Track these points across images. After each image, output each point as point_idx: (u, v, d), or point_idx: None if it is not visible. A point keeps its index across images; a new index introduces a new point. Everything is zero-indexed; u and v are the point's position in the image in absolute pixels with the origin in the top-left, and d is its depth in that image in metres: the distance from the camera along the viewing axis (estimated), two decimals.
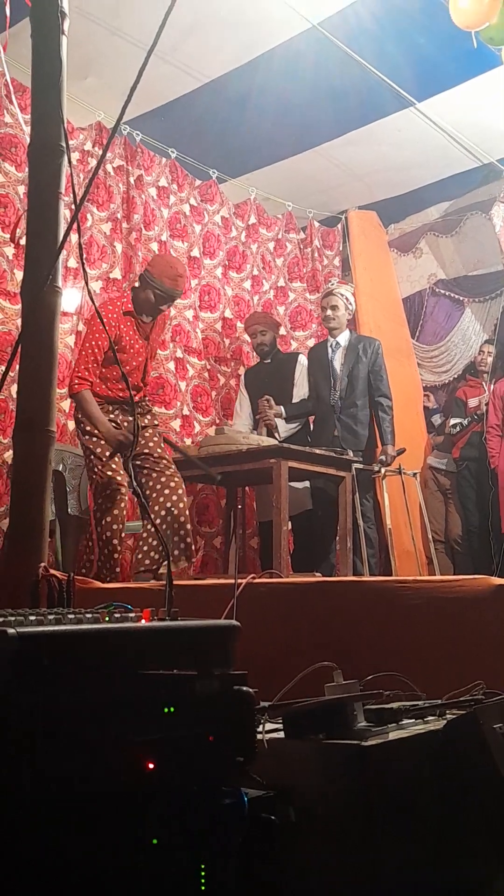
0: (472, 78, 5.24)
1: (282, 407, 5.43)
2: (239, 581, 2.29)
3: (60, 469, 4.58)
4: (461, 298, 6.92)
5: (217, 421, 5.83)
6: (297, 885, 1.35)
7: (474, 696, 1.61)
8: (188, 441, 5.45)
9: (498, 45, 4.35)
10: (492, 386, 6.33)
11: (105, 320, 4.01)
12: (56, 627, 1.19)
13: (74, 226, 2.25)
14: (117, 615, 1.33)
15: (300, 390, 5.61)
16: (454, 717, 1.50)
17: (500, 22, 4.12)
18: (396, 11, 4.57)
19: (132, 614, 1.36)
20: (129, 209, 5.50)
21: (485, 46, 4.48)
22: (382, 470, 5.30)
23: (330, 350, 5.53)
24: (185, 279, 4.71)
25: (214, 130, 5.63)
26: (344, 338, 5.54)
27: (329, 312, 5.53)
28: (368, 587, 2.70)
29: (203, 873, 1.21)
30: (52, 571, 1.88)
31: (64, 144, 2.23)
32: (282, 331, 6.26)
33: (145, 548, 3.96)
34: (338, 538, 5.08)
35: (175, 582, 2.76)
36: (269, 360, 5.78)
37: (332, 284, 5.67)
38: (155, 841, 1.17)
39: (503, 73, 5.10)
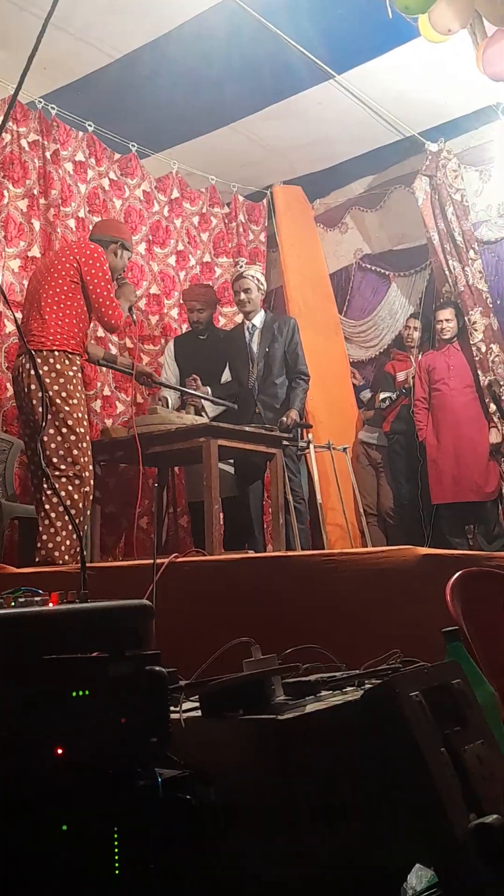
0: (390, 50, 5.23)
1: (208, 388, 5.39)
2: (160, 561, 2.26)
3: None
4: (387, 273, 6.95)
5: (141, 400, 5.75)
6: (216, 864, 1.33)
7: (391, 665, 1.61)
8: (109, 422, 5.37)
9: (413, 13, 4.33)
10: (419, 359, 6.39)
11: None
12: None
13: None
14: (22, 600, 1.30)
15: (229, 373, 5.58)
16: (371, 686, 1.49)
17: None
18: None
19: (38, 598, 1.32)
20: (45, 185, 5.36)
21: (401, 17, 4.47)
22: (310, 446, 5.31)
23: (247, 333, 5.50)
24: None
25: (131, 105, 5.52)
26: (259, 319, 5.50)
27: (242, 296, 5.44)
28: (294, 562, 2.70)
29: (116, 857, 1.18)
30: None
31: None
32: None
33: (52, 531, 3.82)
34: (269, 516, 5.08)
35: (93, 564, 2.72)
36: (204, 336, 5.73)
37: (241, 266, 5.62)
38: (65, 827, 1.14)
39: (421, 45, 5.11)
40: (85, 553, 1.70)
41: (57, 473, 3.74)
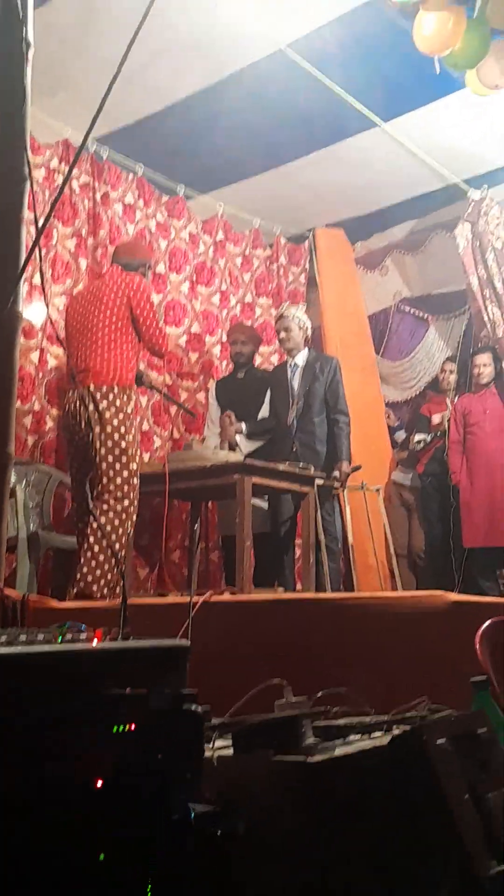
0: (436, 99, 5.33)
1: (243, 423, 5.47)
2: (195, 599, 2.32)
3: (23, 485, 4.58)
4: (425, 316, 7.02)
5: (177, 436, 5.84)
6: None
7: (420, 712, 1.65)
8: (146, 457, 5.46)
9: (462, 69, 4.44)
10: (455, 402, 6.42)
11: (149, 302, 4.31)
12: (7, 650, 1.22)
13: (37, 246, 2.28)
14: (69, 636, 1.36)
15: (267, 409, 5.67)
16: (399, 732, 1.54)
17: (463, 48, 4.21)
18: (362, 36, 4.63)
19: (83, 635, 1.38)
20: (94, 225, 5.52)
21: (449, 70, 4.57)
22: (344, 486, 5.34)
23: (290, 371, 5.59)
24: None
25: (182, 149, 5.67)
26: (302, 357, 5.59)
27: (283, 335, 5.59)
28: (325, 604, 2.74)
29: (150, 888, 1.23)
30: (6, 591, 1.90)
31: (27, 171, 2.25)
32: None
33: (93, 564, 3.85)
34: (300, 553, 5.11)
35: (131, 601, 2.77)
36: (241, 374, 5.83)
37: (284, 307, 5.76)
38: (102, 856, 1.20)
39: (467, 96, 5.21)
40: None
41: (105, 508, 3.83)
